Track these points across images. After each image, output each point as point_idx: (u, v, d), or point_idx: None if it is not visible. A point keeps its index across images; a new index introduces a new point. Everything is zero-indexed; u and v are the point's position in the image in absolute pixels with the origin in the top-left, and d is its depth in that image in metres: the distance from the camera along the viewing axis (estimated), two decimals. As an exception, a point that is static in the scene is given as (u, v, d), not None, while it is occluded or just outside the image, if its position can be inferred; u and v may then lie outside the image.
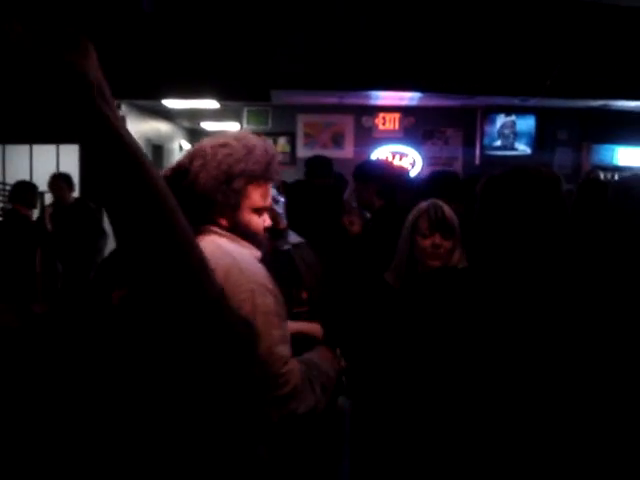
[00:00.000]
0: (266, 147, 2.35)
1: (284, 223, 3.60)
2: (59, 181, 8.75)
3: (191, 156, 2.26)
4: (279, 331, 2.12)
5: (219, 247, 2.17)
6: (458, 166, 11.06)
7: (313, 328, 2.81)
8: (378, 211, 5.39)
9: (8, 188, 10.87)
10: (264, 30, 9.08)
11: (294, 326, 2.71)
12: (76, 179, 9.36)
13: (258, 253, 2.33)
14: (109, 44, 8.92)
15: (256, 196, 2.31)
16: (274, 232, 3.67)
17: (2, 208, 11.02)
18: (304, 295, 3.18)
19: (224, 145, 2.24)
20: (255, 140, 2.32)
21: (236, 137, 2.30)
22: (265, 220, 2.38)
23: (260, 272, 2.15)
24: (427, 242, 3.30)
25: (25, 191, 8.01)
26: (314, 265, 3.55)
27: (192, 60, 9.22)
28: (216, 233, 2.24)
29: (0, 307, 5.38)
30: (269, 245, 3.53)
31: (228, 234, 2.26)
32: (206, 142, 2.29)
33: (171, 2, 8.82)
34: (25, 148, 10.12)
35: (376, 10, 9.18)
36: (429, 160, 11.09)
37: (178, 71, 9.25)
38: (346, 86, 9.46)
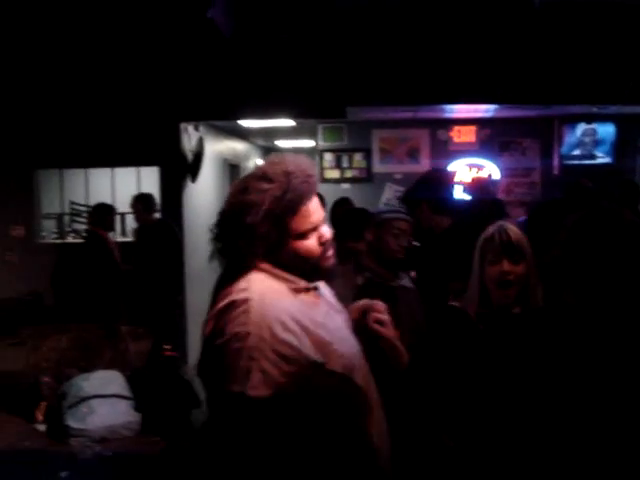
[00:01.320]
0: (299, 169, 2.31)
1: (401, 252, 3.58)
2: (135, 202, 8.96)
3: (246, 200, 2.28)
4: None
5: (244, 288, 2.23)
6: (537, 177, 10.93)
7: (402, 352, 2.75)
8: (449, 232, 5.14)
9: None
10: (337, 47, 9.14)
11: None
12: (157, 201, 9.57)
13: (301, 283, 2.32)
14: (187, 68, 9.13)
15: (299, 221, 2.30)
16: (391, 263, 3.72)
17: (86, 230, 11.33)
18: None
19: (268, 182, 2.27)
20: (283, 169, 2.30)
21: (272, 176, 2.28)
22: (321, 236, 2.35)
23: (269, 314, 2.16)
24: (495, 269, 3.06)
25: (102, 213, 8.19)
26: (417, 313, 3.52)
27: (268, 80, 9.34)
28: (252, 278, 2.27)
29: (88, 326, 5.53)
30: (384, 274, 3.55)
31: (270, 269, 2.29)
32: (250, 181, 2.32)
33: (248, 24, 8.93)
34: (107, 171, 10.37)
35: (449, 23, 9.16)
36: (506, 172, 10.98)
37: (254, 91, 9.38)
38: (421, 100, 9.44)
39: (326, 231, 2.37)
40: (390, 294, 3.55)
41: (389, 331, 2.53)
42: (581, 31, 8.98)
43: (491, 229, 3.17)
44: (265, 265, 2.28)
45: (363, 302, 2.56)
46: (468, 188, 8.78)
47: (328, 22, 9.10)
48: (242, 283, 2.24)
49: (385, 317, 2.54)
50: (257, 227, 2.20)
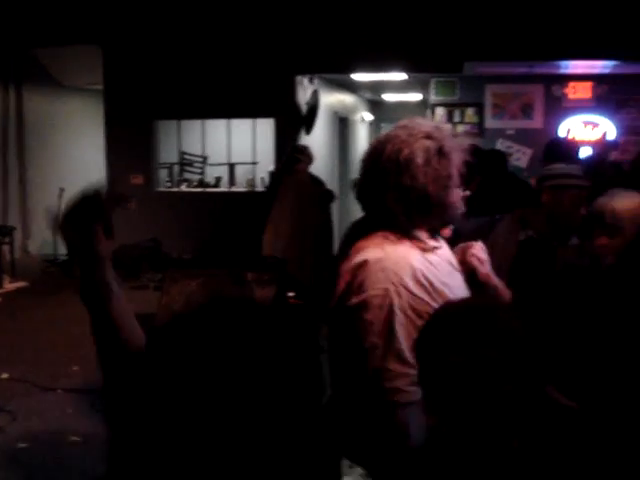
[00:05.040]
0: (445, 132, 2.38)
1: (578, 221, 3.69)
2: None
3: (397, 152, 2.30)
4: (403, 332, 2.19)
5: (379, 246, 2.30)
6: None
7: (504, 291, 2.80)
8: None
9: (209, 161, 11.47)
10: (455, 2, 9.10)
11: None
12: (271, 153, 9.76)
13: (430, 243, 2.38)
14: (303, 20, 9.22)
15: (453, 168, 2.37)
16: (565, 229, 3.78)
17: (200, 180, 11.61)
18: None
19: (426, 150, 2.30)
20: (437, 130, 2.36)
21: (429, 135, 2.33)
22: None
23: (404, 272, 2.23)
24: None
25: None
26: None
27: (383, 34, 9.37)
28: (385, 237, 2.33)
29: (215, 272, 5.71)
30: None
31: (397, 235, 2.33)
32: (403, 138, 2.32)
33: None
34: (223, 123, 10.58)
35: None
36: (624, 129, 10.74)
37: (370, 45, 9.43)
38: (538, 56, 9.32)
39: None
40: (549, 253, 3.60)
41: (484, 267, 2.57)
42: None
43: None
44: (390, 234, 2.34)
45: (463, 244, 2.62)
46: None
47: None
48: (376, 240, 2.32)
49: (481, 255, 2.60)
50: (419, 188, 2.28)
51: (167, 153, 11.42)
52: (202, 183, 11.63)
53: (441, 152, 2.30)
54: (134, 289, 9.10)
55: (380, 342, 2.17)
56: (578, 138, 10.57)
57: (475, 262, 2.54)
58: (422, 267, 2.28)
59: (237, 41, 9.89)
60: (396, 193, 2.28)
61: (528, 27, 9.14)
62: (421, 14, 9.25)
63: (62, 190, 10.67)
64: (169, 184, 11.83)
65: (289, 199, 7.44)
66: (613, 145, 10.23)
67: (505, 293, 2.60)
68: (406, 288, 2.21)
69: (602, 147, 9.62)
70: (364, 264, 2.25)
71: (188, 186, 11.84)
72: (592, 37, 9.03)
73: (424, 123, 2.38)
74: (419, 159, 2.27)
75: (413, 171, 2.27)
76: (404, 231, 2.34)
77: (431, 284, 2.25)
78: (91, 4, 10.01)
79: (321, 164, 11.48)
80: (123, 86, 10.51)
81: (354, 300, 2.23)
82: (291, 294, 6.62)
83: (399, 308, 2.18)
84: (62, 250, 10.54)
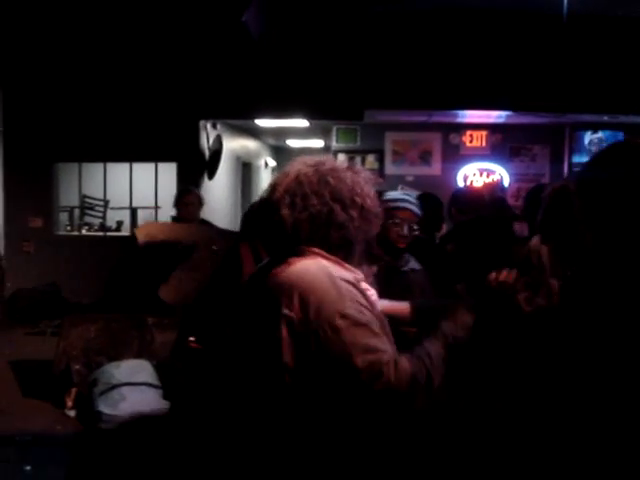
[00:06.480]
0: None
1: (401, 241, 3.80)
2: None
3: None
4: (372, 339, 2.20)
5: (323, 267, 2.29)
6: (546, 182, 11.10)
7: (402, 307, 2.91)
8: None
9: (111, 205, 11.35)
10: (357, 51, 9.33)
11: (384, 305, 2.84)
12: (173, 197, 9.71)
13: (361, 275, 2.43)
14: (208, 66, 9.28)
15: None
16: (393, 251, 3.89)
17: (101, 224, 11.47)
18: None
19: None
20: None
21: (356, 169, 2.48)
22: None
23: (354, 291, 2.26)
24: None
25: None
26: (428, 291, 3.73)
27: (286, 81, 9.52)
28: (320, 255, 2.34)
29: (115, 317, 5.68)
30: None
31: (332, 257, 2.35)
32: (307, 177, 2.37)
33: (274, 27, 9.11)
34: (125, 166, 10.51)
35: (464, 30, 9.35)
36: (516, 177, 11.16)
37: (273, 91, 9.57)
38: (436, 105, 9.64)
39: None
40: (403, 278, 3.76)
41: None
42: (596, 43, 9.18)
43: None
44: (319, 251, 2.35)
45: None
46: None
47: (348, 28, 9.28)
48: (308, 260, 2.31)
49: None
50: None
51: (68, 196, 11.26)
52: (103, 227, 11.49)
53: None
54: (30, 335, 8.83)
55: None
56: (475, 184, 10.92)
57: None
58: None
59: (141, 85, 9.88)
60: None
61: (427, 77, 9.45)
62: (323, 63, 9.45)
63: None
64: (69, 228, 11.65)
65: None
66: (500, 188, 10.61)
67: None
68: (361, 304, 2.24)
69: (490, 189, 9.94)
70: (304, 270, 2.26)
71: (89, 230, 11.69)
72: (487, 88, 9.40)
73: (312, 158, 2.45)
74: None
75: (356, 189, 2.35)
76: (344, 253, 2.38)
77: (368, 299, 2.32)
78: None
79: (225, 209, 11.54)
80: (23, 127, 10.33)
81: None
82: (192, 338, 6.58)
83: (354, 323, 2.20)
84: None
